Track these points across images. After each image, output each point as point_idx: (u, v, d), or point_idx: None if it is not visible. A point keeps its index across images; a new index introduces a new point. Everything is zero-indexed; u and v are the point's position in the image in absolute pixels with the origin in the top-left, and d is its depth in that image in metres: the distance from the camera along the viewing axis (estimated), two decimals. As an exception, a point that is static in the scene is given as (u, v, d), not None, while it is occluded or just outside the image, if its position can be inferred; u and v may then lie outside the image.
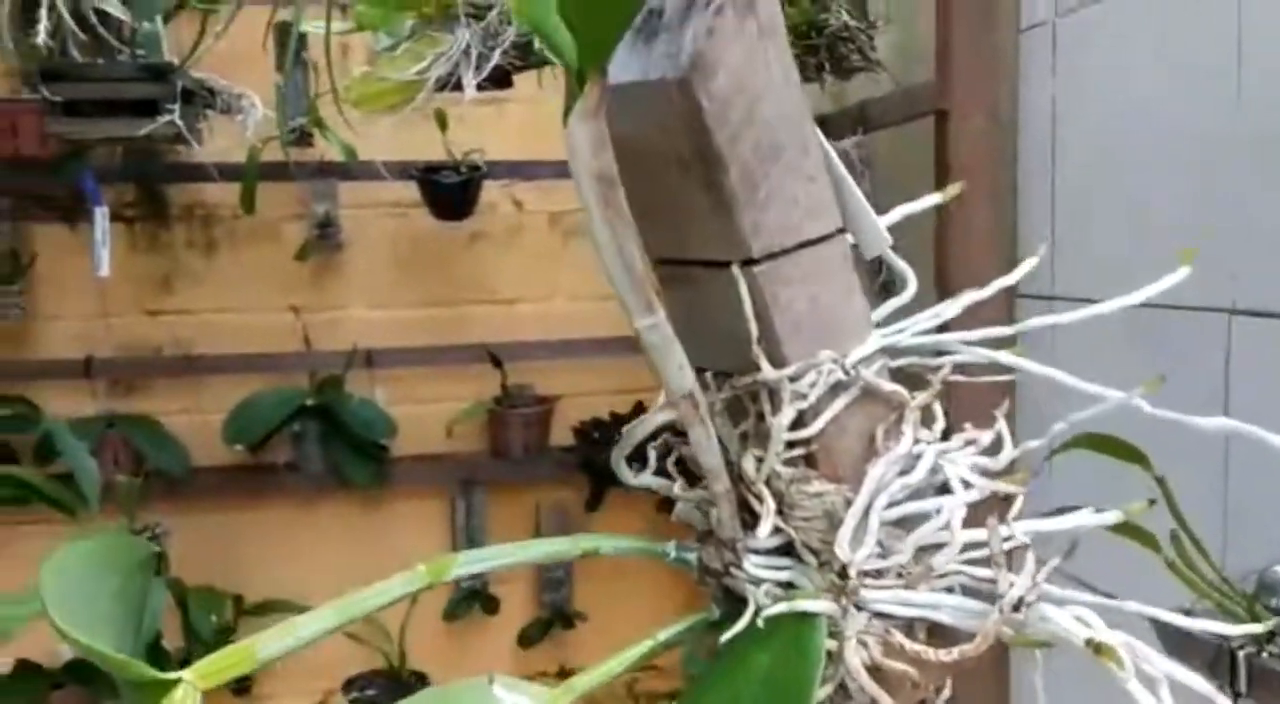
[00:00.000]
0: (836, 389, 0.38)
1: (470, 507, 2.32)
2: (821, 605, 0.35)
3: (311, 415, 2.17)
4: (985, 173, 1.39)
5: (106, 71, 1.45)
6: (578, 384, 2.38)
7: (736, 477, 0.39)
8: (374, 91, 1.53)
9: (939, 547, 0.37)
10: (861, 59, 1.67)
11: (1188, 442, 1.10)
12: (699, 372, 0.43)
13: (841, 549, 0.36)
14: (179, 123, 1.41)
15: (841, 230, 0.39)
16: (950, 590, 0.39)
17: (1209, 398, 1.08)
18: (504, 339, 2.32)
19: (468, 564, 0.42)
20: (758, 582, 0.40)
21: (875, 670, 0.38)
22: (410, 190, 2.21)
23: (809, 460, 0.39)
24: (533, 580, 2.40)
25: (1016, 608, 0.36)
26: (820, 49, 1.68)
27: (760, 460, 0.38)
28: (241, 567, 2.23)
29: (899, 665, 0.38)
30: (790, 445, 0.39)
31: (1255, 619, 0.97)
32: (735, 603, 0.42)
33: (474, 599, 2.31)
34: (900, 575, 0.37)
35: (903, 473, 0.37)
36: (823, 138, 0.39)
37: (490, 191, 2.26)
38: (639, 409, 2.33)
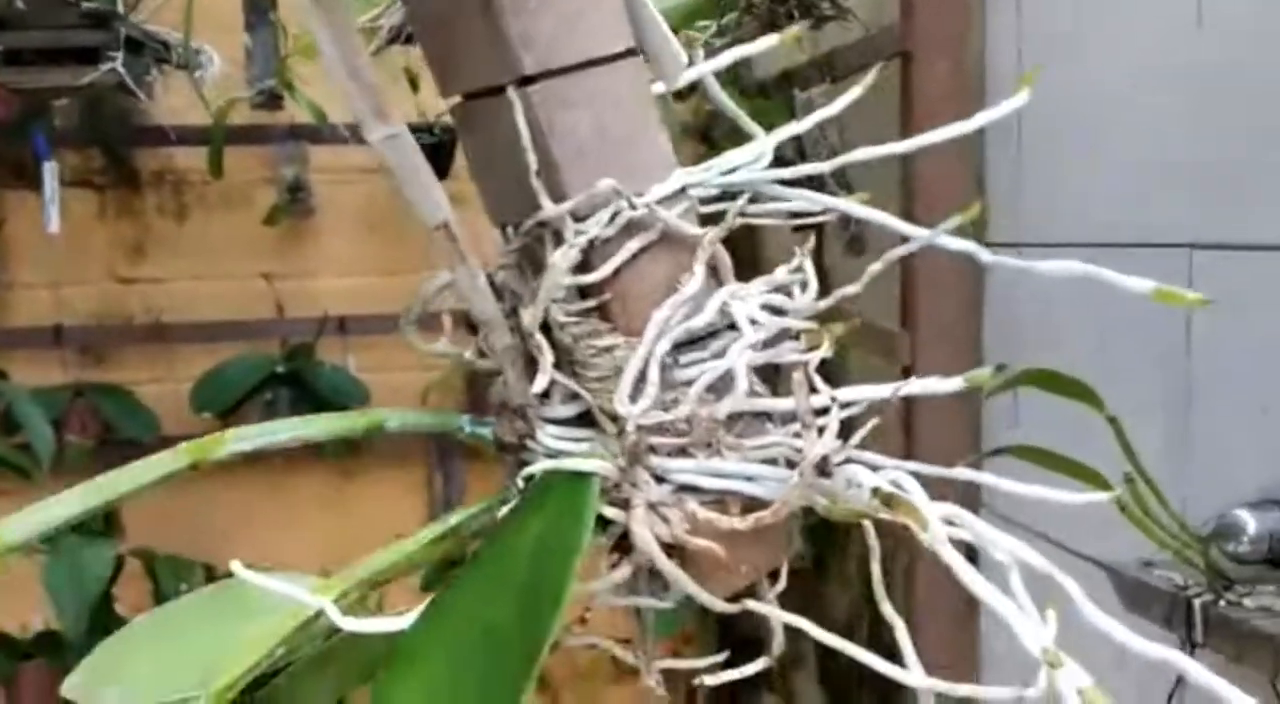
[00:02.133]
0: (630, 229, 0.34)
1: (448, 475, 2.28)
2: (594, 464, 0.31)
3: (282, 383, 2.13)
4: (951, 117, 1.33)
5: (50, 19, 1.41)
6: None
7: (524, 333, 0.34)
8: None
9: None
10: (832, 6, 1.62)
11: (1148, 386, 1.05)
12: (502, 229, 0.39)
13: (621, 402, 0.31)
14: (121, 71, 1.36)
15: (633, 52, 0.34)
16: (772, 464, 0.35)
17: (1170, 335, 1.03)
18: (481, 306, 2.27)
19: (238, 441, 0.37)
20: (554, 455, 0.35)
21: (679, 551, 0.34)
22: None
23: (602, 313, 0.34)
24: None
25: (823, 472, 0.31)
26: (790, -2, 1.63)
27: (532, 313, 0.33)
28: (213, 537, 2.19)
29: (701, 542, 0.34)
30: (582, 295, 0.34)
31: (1212, 566, 0.92)
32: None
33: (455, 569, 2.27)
34: (684, 434, 0.32)
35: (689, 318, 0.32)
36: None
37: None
38: (618, 377, 2.29)
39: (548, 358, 0.33)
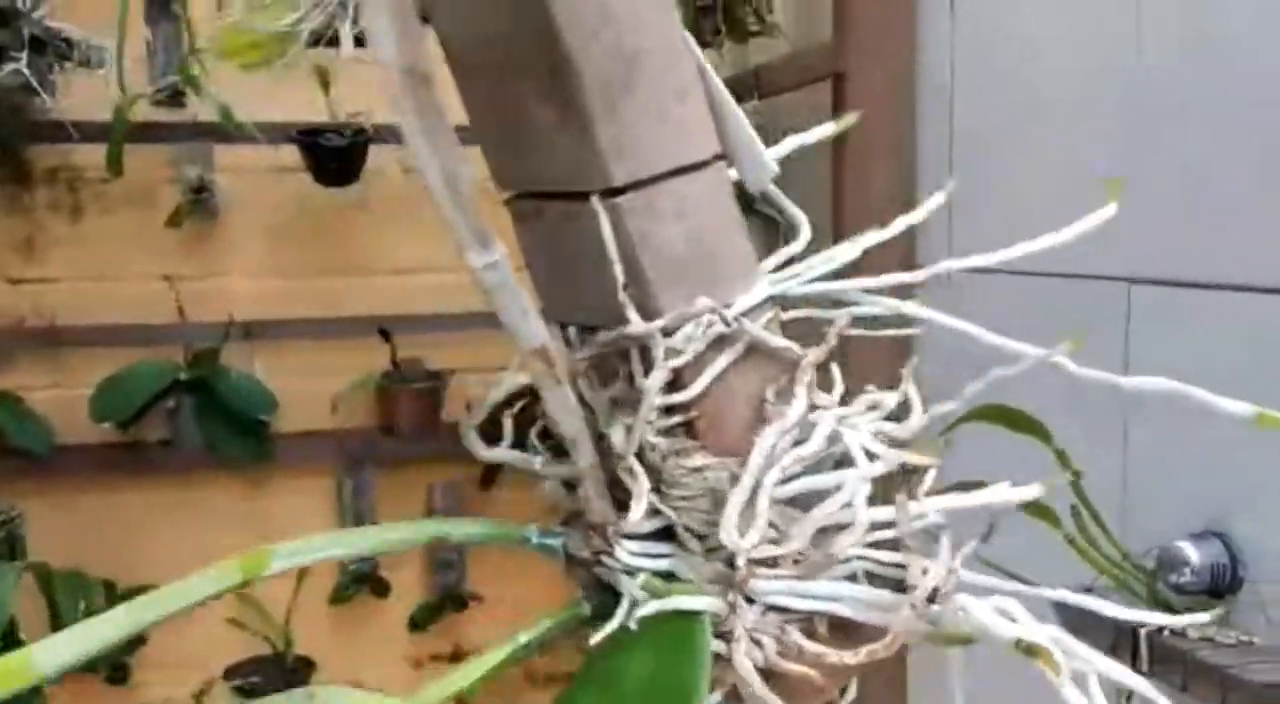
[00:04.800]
0: (720, 344, 0.32)
1: (358, 486, 2.23)
2: (706, 602, 0.30)
3: (187, 390, 2.06)
4: (883, 133, 1.35)
5: (-54, 17, 1.33)
6: (472, 358, 2.30)
7: (605, 449, 0.33)
8: (244, 43, 1.43)
9: (839, 528, 0.31)
10: (758, 22, 1.62)
11: (1089, 417, 1.07)
12: (561, 327, 0.37)
13: (728, 534, 0.30)
14: (26, 72, 1.29)
15: (720, 157, 0.33)
16: (853, 579, 0.34)
17: (1110, 367, 1.05)
18: (393, 311, 2.22)
19: (287, 557, 0.35)
20: (633, 572, 0.34)
21: (770, 673, 0.33)
22: (292, 154, 2.10)
23: (689, 430, 0.33)
24: (424, 561, 2.32)
25: (931, 599, 0.31)
26: (716, 11, 1.63)
27: (630, 429, 0.32)
28: (114, 551, 2.11)
29: (796, 668, 0.33)
30: (668, 412, 0.33)
31: (1155, 596, 0.94)
32: (608, 596, 0.36)
33: (362, 582, 2.22)
34: (797, 563, 0.31)
35: (796, 443, 0.31)
36: (697, 49, 0.33)
37: (378, 156, 2.15)
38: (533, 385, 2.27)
39: (643, 482, 0.32)
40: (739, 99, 1.31)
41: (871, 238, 0.33)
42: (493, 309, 0.29)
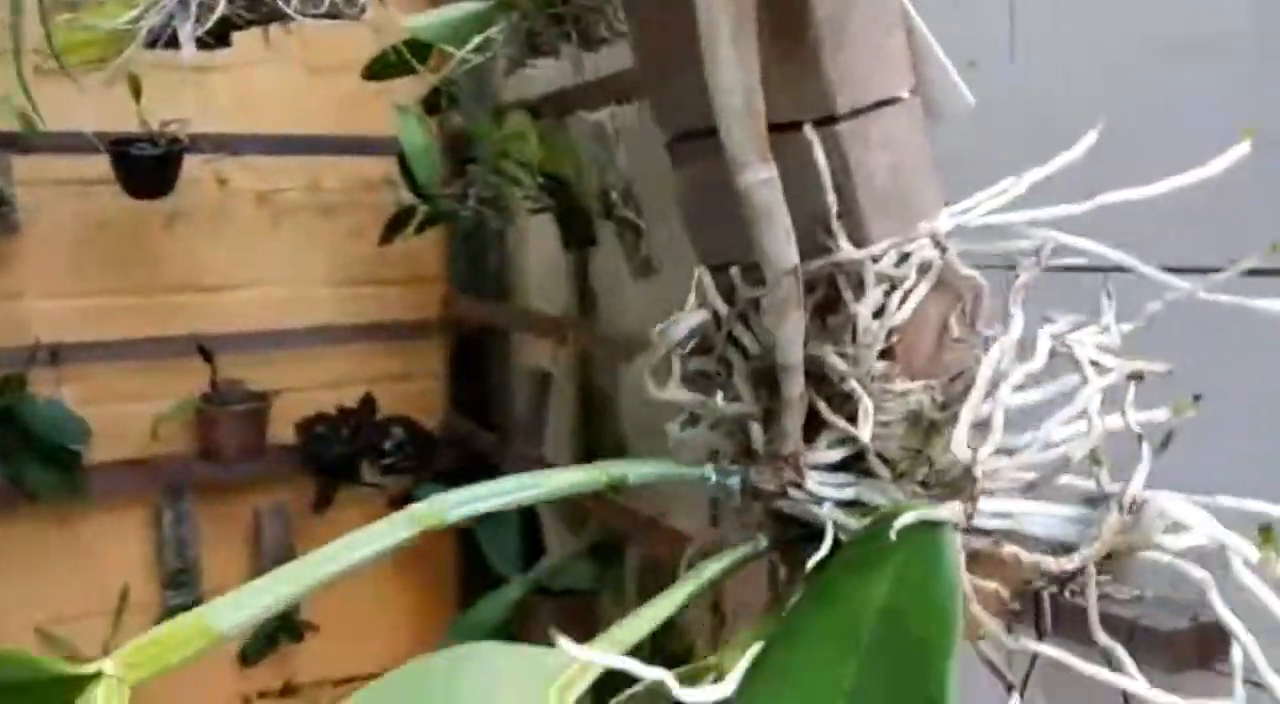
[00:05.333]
0: (920, 272, 0.33)
1: (178, 515, 2.11)
2: (948, 513, 0.30)
3: (-13, 421, 1.89)
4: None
5: None
6: (295, 377, 2.21)
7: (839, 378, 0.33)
8: (77, 42, 1.34)
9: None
10: (609, 29, 1.64)
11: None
12: (721, 268, 0.37)
13: (959, 447, 0.31)
14: None
15: (914, 92, 0.34)
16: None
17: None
18: (210, 330, 2.12)
19: (466, 504, 0.34)
20: (820, 501, 0.34)
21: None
22: (96, 165, 1.97)
23: (886, 356, 0.34)
24: (251, 591, 2.21)
25: (1133, 510, 0.32)
26: (567, 19, 1.64)
27: (846, 356, 0.32)
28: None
29: (989, 584, 0.34)
30: (854, 340, 0.34)
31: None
32: (783, 528, 0.36)
33: (186, 612, 2.09)
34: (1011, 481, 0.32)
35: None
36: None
37: (192, 168, 2.05)
38: (368, 401, 2.21)
39: (868, 404, 0.32)
40: (595, 106, 1.34)
41: (1034, 174, 0.35)
42: (753, 228, 0.29)
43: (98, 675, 0.31)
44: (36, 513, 1.99)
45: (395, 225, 2.04)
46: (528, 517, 2.01)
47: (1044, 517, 0.34)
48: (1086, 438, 0.31)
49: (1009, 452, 0.32)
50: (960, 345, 0.34)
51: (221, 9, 1.38)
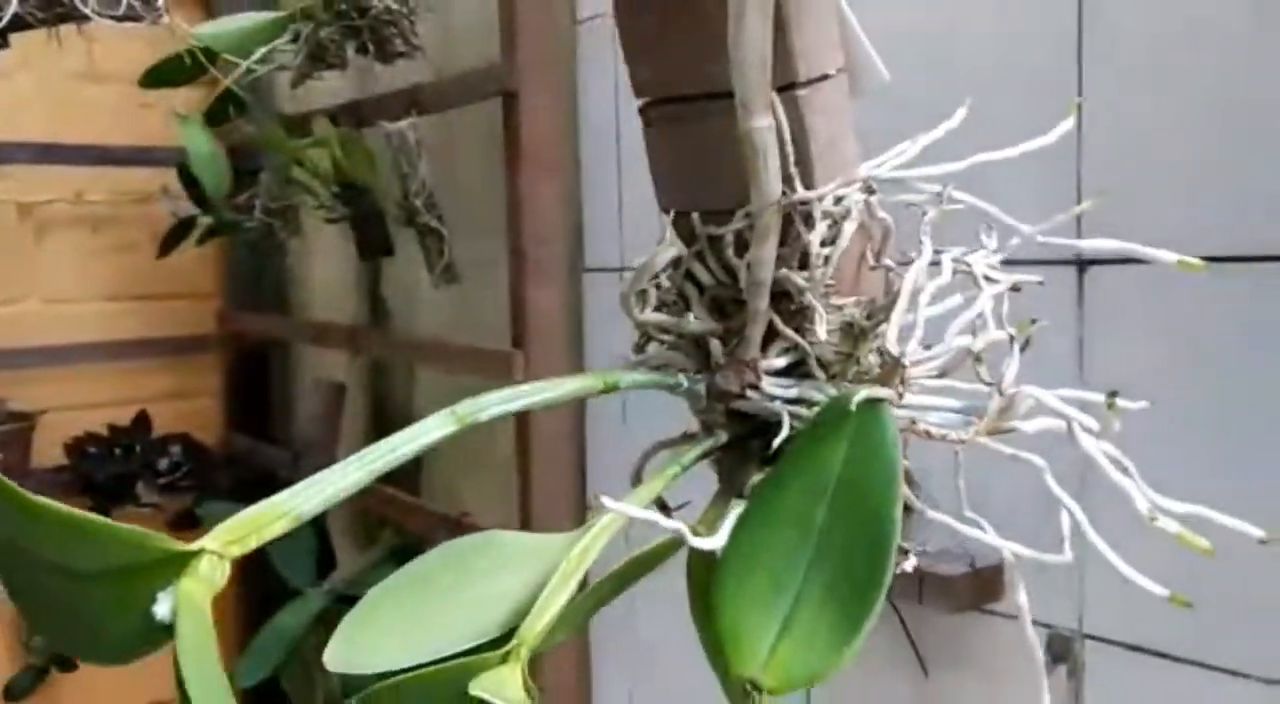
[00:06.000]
0: (851, 211, 0.42)
1: None
2: (886, 392, 0.39)
3: None
4: (551, 149, 1.47)
5: None
6: (62, 397, 2.12)
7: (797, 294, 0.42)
8: None
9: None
10: (404, 44, 1.69)
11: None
12: (683, 215, 0.45)
13: (891, 344, 0.40)
14: None
15: (842, 69, 0.43)
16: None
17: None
18: (-32, 347, 2.01)
19: (498, 404, 0.40)
20: (772, 399, 0.43)
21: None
22: None
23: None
24: (16, 626, 2.10)
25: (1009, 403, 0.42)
26: (363, 31, 1.67)
27: (806, 279, 0.41)
28: None
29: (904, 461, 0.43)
30: (801, 266, 0.42)
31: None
32: (741, 424, 0.44)
33: (-56, 652, 1.97)
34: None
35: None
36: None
37: (-53, 176, 1.95)
38: (142, 419, 2.14)
39: (822, 314, 0.41)
40: (393, 116, 1.40)
41: (924, 139, 0.45)
42: (750, 165, 0.37)
43: (200, 553, 0.35)
44: None
45: (174, 237, 2.01)
46: (319, 531, 2.01)
47: (940, 407, 0.44)
48: (984, 335, 0.41)
49: (926, 347, 0.41)
50: (874, 272, 0.44)
51: (14, 8, 1.35)
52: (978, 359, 0.43)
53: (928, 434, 0.42)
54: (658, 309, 0.45)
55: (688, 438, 0.45)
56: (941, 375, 0.42)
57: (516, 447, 1.49)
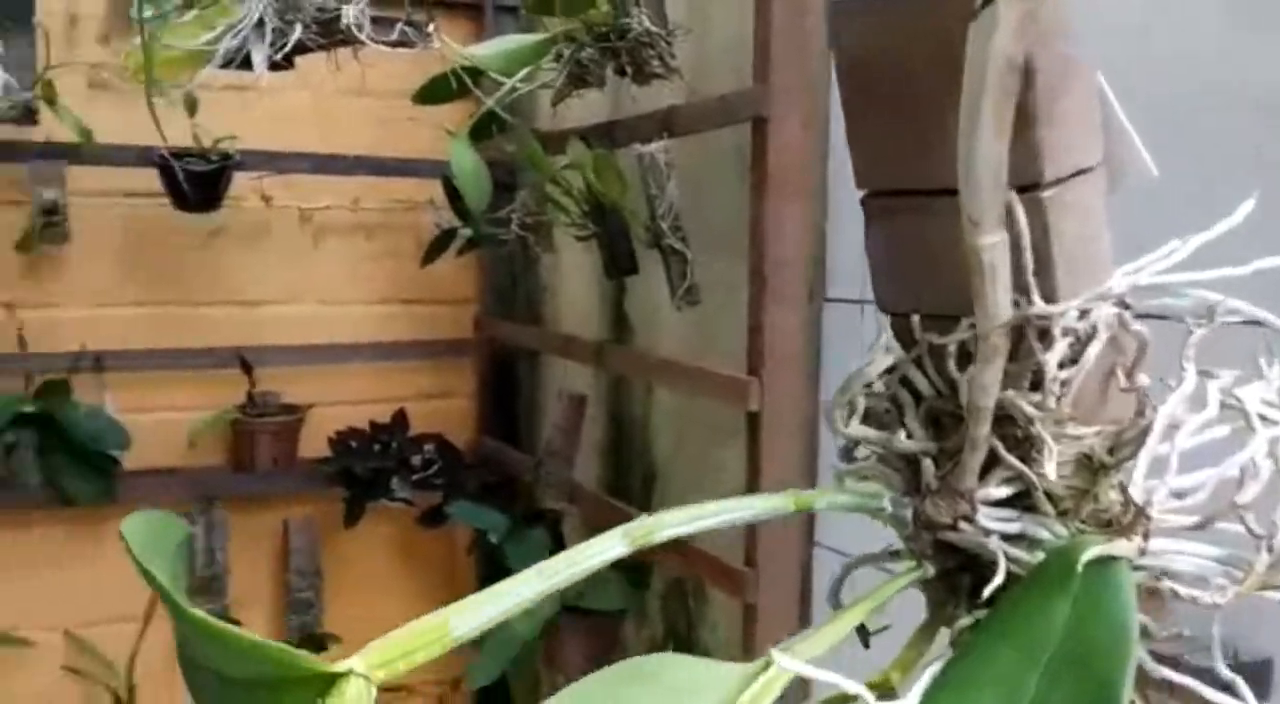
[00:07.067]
0: (1098, 327, 0.36)
1: (210, 524, 2.13)
2: (1123, 548, 0.34)
3: (28, 424, 1.92)
4: (798, 175, 1.42)
5: None
6: (329, 392, 2.25)
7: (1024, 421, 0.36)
8: (161, 60, 1.38)
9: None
10: (661, 65, 1.68)
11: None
12: (903, 316, 0.40)
13: (1137, 489, 0.34)
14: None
15: (1099, 163, 0.37)
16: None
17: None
18: (248, 343, 2.15)
19: (674, 526, 0.37)
20: (988, 534, 0.38)
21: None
22: (142, 179, 2.00)
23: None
24: (277, 602, 2.24)
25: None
26: (621, 53, 1.68)
27: (1037, 405, 0.35)
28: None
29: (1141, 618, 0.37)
30: (1033, 388, 0.37)
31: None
32: (948, 558, 0.39)
33: (212, 625, 2.11)
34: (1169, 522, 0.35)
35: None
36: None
37: (236, 185, 2.09)
38: (401, 417, 2.24)
39: (1052, 447, 0.35)
40: (647, 138, 1.38)
41: (1196, 240, 0.38)
42: (978, 283, 0.33)
43: (347, 674, 0.33)
44: (69, 517, 2.02)
45: (437, 247, 2.08)
46: (555, 534, 2.04)
47: (1193, 556, 0.37)
48: (1254, 483, 0.34)
49: (1178, 494, 0.35)
50: (1124, 395, 0.38)
51: (298, 34, 1.42)
52: (1243, 509, 0.36)
53: (1174, 594, 0.36)
54: (868, 415, 0.40)
55: (893, 555, 0.40)
56: (1197, 528, 0.36)
57: (747, 473, 1.45)
